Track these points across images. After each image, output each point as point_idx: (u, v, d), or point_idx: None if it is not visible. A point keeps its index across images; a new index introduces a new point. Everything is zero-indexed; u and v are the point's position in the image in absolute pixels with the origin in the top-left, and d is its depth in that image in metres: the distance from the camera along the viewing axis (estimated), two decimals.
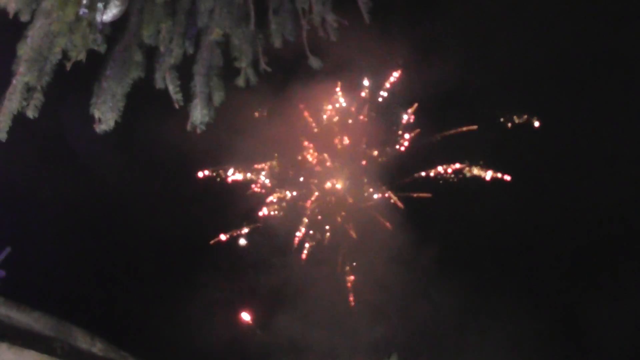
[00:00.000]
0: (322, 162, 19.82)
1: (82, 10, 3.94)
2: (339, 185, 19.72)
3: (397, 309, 18.31)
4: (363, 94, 19.87)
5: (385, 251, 18.81)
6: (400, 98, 19.60)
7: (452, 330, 18.29)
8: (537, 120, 19.26)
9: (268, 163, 19.38)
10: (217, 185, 18.92)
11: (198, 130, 4.62)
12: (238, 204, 19.24)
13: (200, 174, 18.64)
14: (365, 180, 19.89)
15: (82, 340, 10.38)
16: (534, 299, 17.71)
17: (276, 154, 19.51)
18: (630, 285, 16.82)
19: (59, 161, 15.07)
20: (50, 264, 15.13)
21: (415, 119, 19.88)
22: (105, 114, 4.15)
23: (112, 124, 4.16)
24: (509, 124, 19.41)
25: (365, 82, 19.78)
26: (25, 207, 14.70)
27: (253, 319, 18.36)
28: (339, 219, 19.75)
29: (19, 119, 4.17)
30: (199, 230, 18.36)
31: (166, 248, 17.34)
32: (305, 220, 19.48)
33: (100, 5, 4.10)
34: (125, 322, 15.78)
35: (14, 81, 3.88)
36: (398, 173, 19.56)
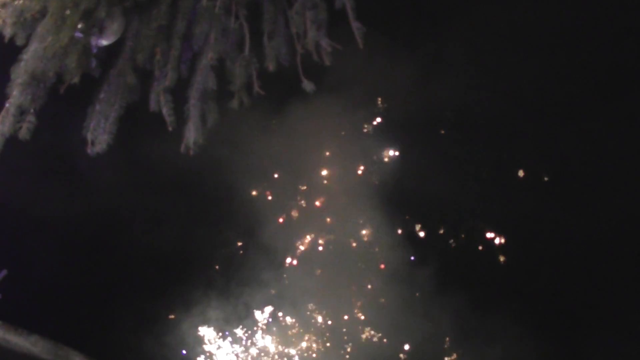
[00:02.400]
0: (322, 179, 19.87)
1: (77, 34, 3.99)
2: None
3: (396, 328, 18.20)
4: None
5: (384, 269, 18.76)
6: (399, 119, 19.67)
7: (449, 350, 18.17)
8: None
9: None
10: (214, 202, 18.93)
11: (191, 152, 4.65)
12: (235, 220, 19.23)
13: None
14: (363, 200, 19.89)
15: None
16: (531, 320, 17.59)
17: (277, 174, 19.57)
18: (628, 310, 16.74)
19: (55, 183, 15.12)
20: (47, 287, 15.10)
21: (416, 141, 19.95)
22: (98, 137, 4.17)
23: (104, 146, 4.19)
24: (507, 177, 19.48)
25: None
26: (21, 230, 14.72)
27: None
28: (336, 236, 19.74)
29: (16, 141, 4.20)
30: (196, 247, 18.33)
31: (163, 267, 17.31)
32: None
33: (95, 29, 4.15)
34: (123, 344, 15.69)
35: (7, 104, 3.92)
36: (397, 193, 19.55)
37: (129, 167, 15.22)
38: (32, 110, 3.94)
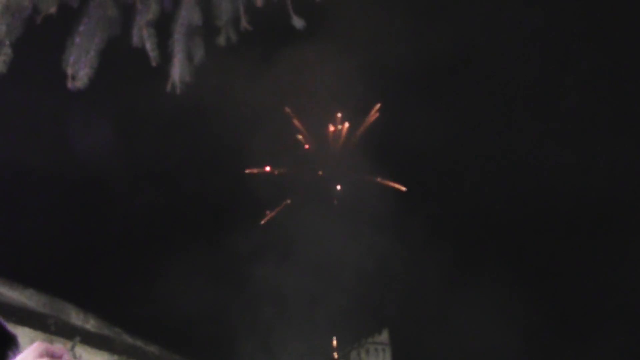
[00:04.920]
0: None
1: None
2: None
3: (386, 281, 18.33)
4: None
5: (374, 222, 18.78)
6: (395, 64, 19.42)
7: (439, 301, 18.35)
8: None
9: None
10: (202, 152, 18.80)
11: (177, 91, 4.51)
12: (224, 170, 19.14)
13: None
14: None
15: (76, 317, 10.34)
16: (518, 268, 17.76)
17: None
18: (611, 253, 16.90)
19: (45, 136, 15.00)
20: (42, 241, 15.10)
21: (409, 89, 19.76)
22: (79, 71, 4.01)
23: (86, 80, 4.03)
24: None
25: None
26: (13, 184, 14.65)
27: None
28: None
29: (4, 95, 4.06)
30: (184, 198, 18.31)
31: (154, 219, 17.33)
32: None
33: None
34: (116, 297, 15.79)
35: None
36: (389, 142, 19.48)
37: (118, 118, 15.11)
38: (7, 43, 3.77)
